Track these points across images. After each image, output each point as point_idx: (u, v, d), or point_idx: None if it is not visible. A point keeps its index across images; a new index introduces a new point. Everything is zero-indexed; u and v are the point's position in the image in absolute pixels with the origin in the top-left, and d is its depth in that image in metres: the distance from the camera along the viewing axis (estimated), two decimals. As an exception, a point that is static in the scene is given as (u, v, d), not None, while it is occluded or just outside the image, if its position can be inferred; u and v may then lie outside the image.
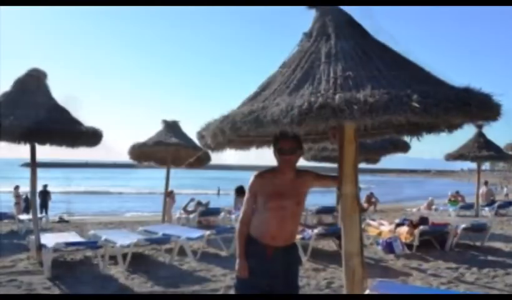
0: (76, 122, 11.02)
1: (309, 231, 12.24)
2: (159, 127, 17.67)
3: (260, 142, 5.59)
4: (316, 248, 12.36)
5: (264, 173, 4.72)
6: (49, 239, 11.27)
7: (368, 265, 5.52)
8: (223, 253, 12.40)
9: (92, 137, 10.99)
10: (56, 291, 8.79)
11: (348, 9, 5.29)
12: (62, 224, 21.48)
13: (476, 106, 4.20)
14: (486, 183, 27.28)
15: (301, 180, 4.72)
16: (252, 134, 4.70)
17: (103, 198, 52.21)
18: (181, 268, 10.87)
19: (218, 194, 55.85)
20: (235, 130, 4.48)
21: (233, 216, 18.42)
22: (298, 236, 10.96)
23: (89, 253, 11.46)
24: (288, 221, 4.65)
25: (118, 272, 10.22)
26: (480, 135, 23.51)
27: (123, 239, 11.45)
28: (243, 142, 5.50)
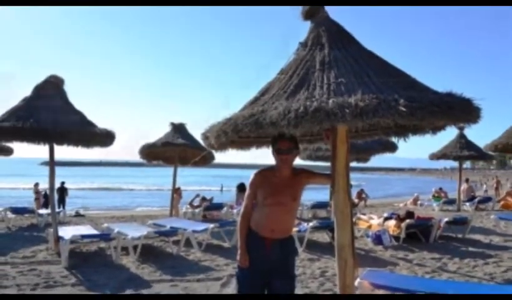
0: (91, 124, 11.07)
1: (304, 224, 12.26)
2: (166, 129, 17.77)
3: (259, 143, 5.61)
4: (311, 240, 12.35)
5: (263, 171, 4.73)
6: (66, 232, 11.31)
7: (358, 256, 5.52)
8: (226, 244, 12.39)
9: (105, 137, 11.02)
10: (73, 280, 8.76)
11: (344, 12, 5.31)
12: (78, 217, 21.44)
13: (458, 110, 4.23)
14: (467, 180, 27.23)
15: (298, 178, 4.73)
16: (252, 135, 4.72)
17: (116, 194, 52.28)
18: (187, 258, 10.86)
19: (221, 190, 55.89)
20: (237, 132, 4.50)
21: (235, 211, 18.39)
22: (295, 229, 10.96)
23: (103, 244, 11.43)
24: (285, 215, 4.67)
25: (129, 262, 10.22)
26: (461, 136, 23.65)
27: (134, 232, 11.46)
28: (244, 142, 5.53)
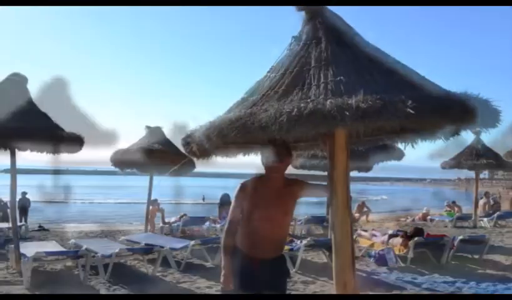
0: (57, 128, 11.03)
1: (298, 242, 12.22)
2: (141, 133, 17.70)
3: (247, 149, 5.60)
4: (305, 260, 12.34)
5: (251, 181, 4.72)
6: (29, 248, 11.25)
7: (359, 278, 5.52)
8: (208, 264, 12.37)
9: (73, 142, 10.97)
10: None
11: (340, 10, 5.31)
12: (42, 232, 21.31)
13: (473, 112, 4.20)
14: (486, 194, 27.23)
15: (290, 189, 4.71)
16: (240, 140, 4.69)
17: (85, 206, 52.07)
18: (164, 279, 10.83)
19: (203, 202, 55.86)
20: (222, 137, 4.49)
21: (218, 226, 18.39)
22: (286, 247, 10.94)
23: (70, 263, 11.40)
24: (275, 232, 4.64)
25: (99, 283, 10.17)
26: (478, 142, 23.50)
27: (105, 249, 11.40)
28: (230, 149, 5.51)
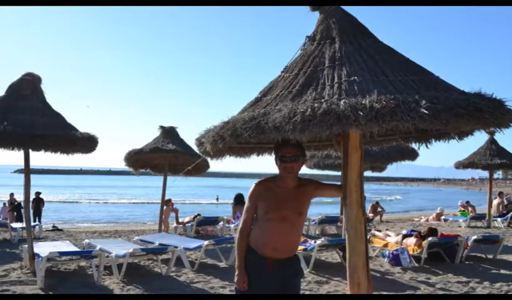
0: (71, 128, 11.02)
1: (311, 242, 12.22)
2: (155, 133, 17.70)
3: (261, 149, 5.59)
4: (319, 260, 12.34)
5: (265, 181, 4.71)
6: (42, 248, 11.28)
7: (373, 278, 5.49)
8: (222, 264, 12.38)
9: (87, 143, 10.99)
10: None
11: (353, 10, 5.30)
12: (56, 232, 21.42)
13: (488, 112, 4.16)
14: (500, 194, 27.13)
15: (304, 189, 4.70)
16: (253, 140, 4.68)
17: (98, 206, 52.22)
18: (178, 279, 10.83)
19: (217, 201, 55.97)
20: (236, 137, 4.48)
21: (232, 226, 18.40)
22: (300, 247, 10.94)
23: (83, 263, 11.43)
24: (289, 232, 4.63)
25: (113, 283, 10.20)
26: (492, 142, 23.43)
27: (119, 249, 11.43)
28: (243, 149, 5.51)
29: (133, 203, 59.47)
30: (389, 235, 14.24)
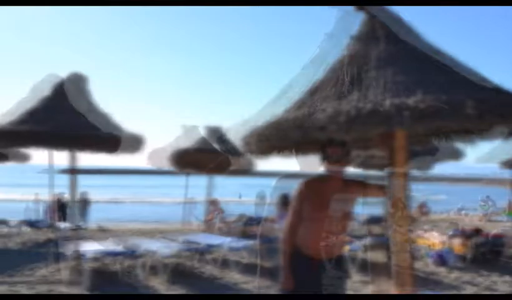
0: (117, 128, 11.05)
1: (357, 242, 12.18)
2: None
3: (306, 149, 5.60)
4: (365, 260, 12.28)
5: (311, 181, 4.72)
6: (88, 248, 11.40)
7: (418, 278, 5.48)
8: (268, 264, 12.37)
9: (134, 143, 11.06)
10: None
11: (398, 10, 5.27)
12: (101, 232, 21.61)
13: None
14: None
15: (349, 189, 4.70)
16: (299, 140, 4.69)
17: (143, 206, 52.41)
18: (223, 279, 10.88)
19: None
20: (280, 137, 4.49)
21: (277, 226, 18.38)
22: (346, 247, 10.92)
23: (129, 263, 11.54)
24: (335, 232, 4.63)
25: (158, 283, 10.28)
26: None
27: (164, 249, 11.50)
28: (288, 148, 5.52)
29: (178, 202, 59.46)
30: (434, 235, 14.13)
